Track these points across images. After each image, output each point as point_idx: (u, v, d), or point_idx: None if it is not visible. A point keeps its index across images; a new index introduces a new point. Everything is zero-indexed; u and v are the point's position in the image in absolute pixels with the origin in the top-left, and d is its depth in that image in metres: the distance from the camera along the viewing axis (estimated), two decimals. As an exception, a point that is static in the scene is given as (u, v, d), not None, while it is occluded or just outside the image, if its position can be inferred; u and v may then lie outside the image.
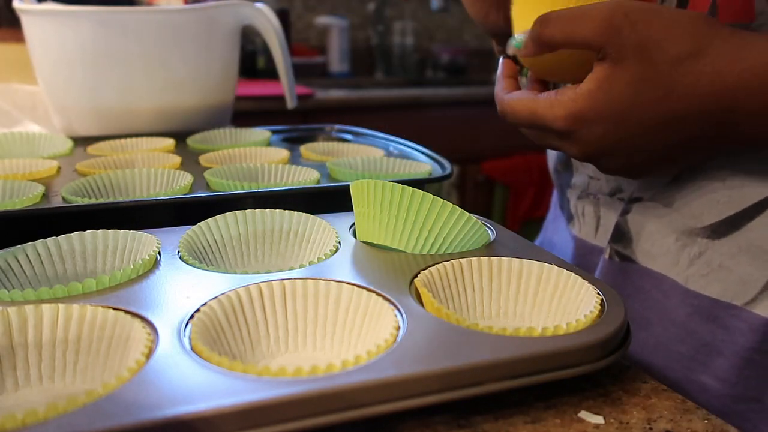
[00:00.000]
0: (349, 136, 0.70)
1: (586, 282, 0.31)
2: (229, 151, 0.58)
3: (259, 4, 0.72)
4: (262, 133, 0.68)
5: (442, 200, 0.34)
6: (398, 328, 0.27)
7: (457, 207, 0.34)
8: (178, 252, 0.35)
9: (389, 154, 0.60)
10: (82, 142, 0.63)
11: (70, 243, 0.35)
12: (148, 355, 0.24)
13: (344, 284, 0.30)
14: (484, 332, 0.26)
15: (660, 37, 0.31)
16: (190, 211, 0.43)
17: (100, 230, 0.35)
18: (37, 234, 0.35)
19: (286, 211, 0.39)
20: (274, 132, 0.70)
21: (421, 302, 0.29)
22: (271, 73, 1.93)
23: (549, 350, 0.25)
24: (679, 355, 0.41)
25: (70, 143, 0.61)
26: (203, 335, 0.26)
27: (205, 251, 0.37)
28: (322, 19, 2.01)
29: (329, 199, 0.45)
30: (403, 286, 0.30)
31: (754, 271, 0.37)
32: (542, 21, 0.33)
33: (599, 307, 0.29)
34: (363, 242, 0.37)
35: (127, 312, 0.27)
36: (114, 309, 0.28)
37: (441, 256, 0.35)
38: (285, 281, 0.30)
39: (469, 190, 1.76)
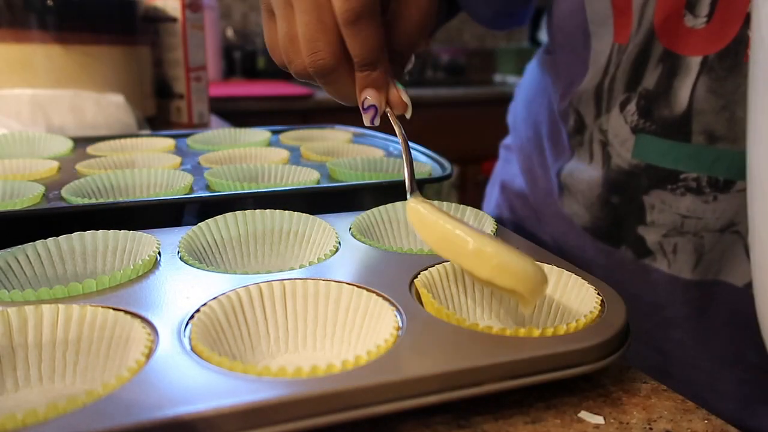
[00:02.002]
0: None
1: (586, 282, 0.31)
2: (230, 151, 0.58)
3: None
4: (262, 133, 0.68)
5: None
6: (398, 329, 0.27)
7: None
8: (178, 252, 0.35)
9: (389, 154, 0.60)
10: (82, 142, 0.63)
11: (70, 243, 0.35)
12: (148, 355, 0.24)
13: (344, 284, 0.30)
14: (484, 333, 0.26)
15: None
16: (190, 211, 0.43)
17: (100, 230, 0.35)
18: (37, 234, 0.35)
19: (286, 211, 0.39)
20: (274, 132, 0.70)
21: (421, 302, 0.29)
22: (271, 74, 1.94)
23: (549, 351, 0.25)
24: None
25: (70, 143, 0.61)
26: (203, 335, 0.26)
27: (205, 251, 0.37)
28: (322, 19, 2.00)
29: (329, 199, 0.45)
30: (403, 286, 0.30)
31: None
32: None
33: (599, 307, 0.29)
34: (363, 243, 0.37)
35: (127, 312, 0.27)
36: (114, 309, 0.28)
37: (441, 256, 0.35)
38: (285, 281, 0.30)
39: (469, 190, 1.76)
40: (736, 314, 0.44)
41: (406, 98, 0.35)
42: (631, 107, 0.44)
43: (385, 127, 0.35)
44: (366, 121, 0.35)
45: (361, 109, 0.35)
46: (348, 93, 0.35)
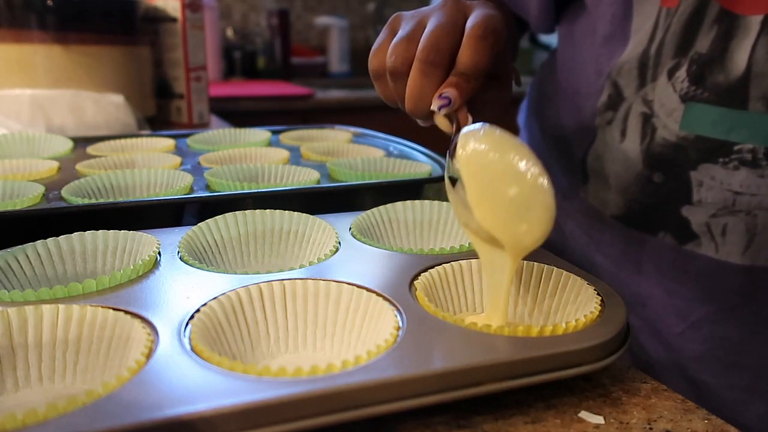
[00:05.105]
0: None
1: (585, 282, 0.31)
2: (230, 151, 0.58)
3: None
4: (262, 133, 0.68)
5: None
6: (398, 328, 0.27)
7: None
8: (178, 252, 0.35)
9: (389, 154, 0.60)
10: (82, 142, 0.63)
11: (70, 243, 0.35)
12: (148, 355, 0.24)
13: (344, 284, 0.30)
14: (483, 332, 0.26)
15: None
16: (190, 211, 0.43)
17: (100, 230, 0.35)
18: (37, 234, 0.35)
19: (286, 211, 0.39)
20: (274, 132, 0.70)
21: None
22: (271, 73, 1.94)
23: (549, 351, 0.25)
24: None
25: (70, 143, 0.61)
26: (203, 335, 0.26)
27: (205, 251, 0.37)
28: (322, 19, 2.01)
29: (329, 199, 0.45)
30: (403, 286, 0.30)
31: None
32: None
33: (599, 307, 0.29)
34: (363, 243, 0.37)
35: (127, 312, 0.27)
36: (114, 309, 0.28)
37: (441, 256, 0.35)
38: (285, 281, 0.30)
39: (469, 190, 1.76)
40: None
41: (470, 118, 0.38)
42: (681, 74, 0.42)
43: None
44: (434, 105, 0.37)
45: (436, 97, 0.37)
46: (423, 93, 0.37)
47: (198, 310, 0.28)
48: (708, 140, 0.41)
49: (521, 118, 0.65)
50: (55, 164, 0.52)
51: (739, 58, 0.39)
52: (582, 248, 0.52)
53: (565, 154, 0.54)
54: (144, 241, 0.35)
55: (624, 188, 0.47)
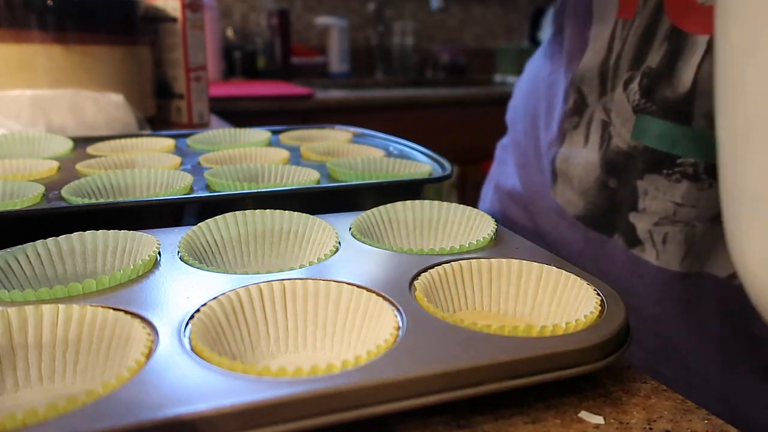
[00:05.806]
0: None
1: (585, 282, 0.31)
2: (230, 151, 0.58)
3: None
4: (262, 133, 0.68)
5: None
6: (398, 328, 0.27)
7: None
8: (178, 252, 0.35)
9: (389, 154, 0.60)
10: (82, 142, 0.63)
11: (70, 243, 0.35)
12: (148, 355, 0.24)
13: (344, 284, 0.30)
14: (483, 332, 0.26)
15: None
16: (190, 211, 0.43)
17: (100, 230, 0.35)
18: (37, 234, 0.35)
19: (286, 211, 0.39)
20: (274, 132, 0.70)
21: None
22: (271, 73, 1.94)
23: (549, 350, 0.25)
24: None
25: (70, 143, 0.61)
26: (203, 335, 0.26)
27: (205, 251, 0.37)
28: (322, 19, 2.01)
29: (329, 199, 0.45)
30: (403, 286, 0.30)
31: None
32: None
33: (599, 307, 0.29)
34: (363, 243, 0.37)
35: (127, 312, 0.27)
36: (114, 309, 0.28)
37: (441, 256, 0.35)
38: (285, 281, 0.30)
39: (469, 190, 1.76)
40: (722, 307, 0.43)
41: None
42: (634, 86, 0.43)
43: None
44: None
45: None
46: None
47: (198, 310, 0.28)
48: (654, 152, 0.43)
49: (508, 116, 0.67)
50: (55, 164, 0.52)
51: (686, 75, 0.40)
52: (551, 245, 0.55)
53: (540, 153, 0.57)
54: (144, 241, 0.35)
55: (585, 191, 0.49)
